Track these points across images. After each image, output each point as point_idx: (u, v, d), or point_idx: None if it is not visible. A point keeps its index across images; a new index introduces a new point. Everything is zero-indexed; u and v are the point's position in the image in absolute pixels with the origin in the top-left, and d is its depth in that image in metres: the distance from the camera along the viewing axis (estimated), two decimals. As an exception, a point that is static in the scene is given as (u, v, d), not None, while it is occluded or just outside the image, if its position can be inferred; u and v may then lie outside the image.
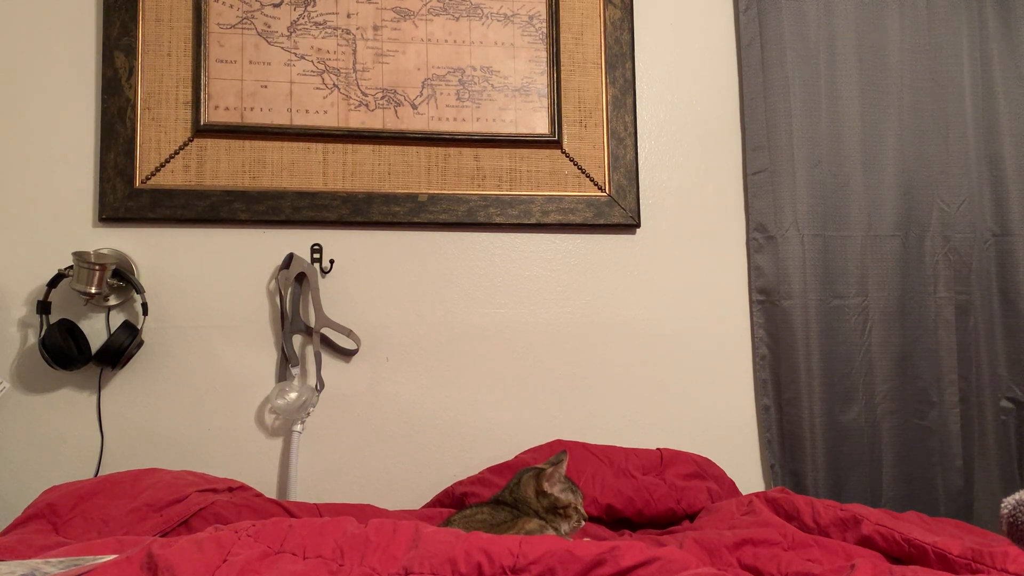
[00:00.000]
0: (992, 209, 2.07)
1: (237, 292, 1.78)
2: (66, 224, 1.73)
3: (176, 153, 1.76)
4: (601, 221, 1.91)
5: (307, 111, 1.82)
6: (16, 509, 1.39)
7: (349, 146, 1.83)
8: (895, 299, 2.00)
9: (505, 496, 1.35)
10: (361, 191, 1.82)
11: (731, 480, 1.77)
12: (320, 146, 1.82)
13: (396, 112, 1.85)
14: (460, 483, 1.70)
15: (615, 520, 1.61)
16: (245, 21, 1.82)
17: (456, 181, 1.87)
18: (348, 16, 1.86)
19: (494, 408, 1.86)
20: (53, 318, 1.64)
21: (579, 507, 1.34)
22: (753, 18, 2.01)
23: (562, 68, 1.93)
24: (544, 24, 1.94)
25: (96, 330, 1.70)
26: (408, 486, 1.80)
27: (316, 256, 1.81)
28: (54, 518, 1.32)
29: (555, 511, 1.31)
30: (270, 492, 1.72)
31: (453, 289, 1.87)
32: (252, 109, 1.80)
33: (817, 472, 1.91)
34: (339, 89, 1.84)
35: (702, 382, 1.96)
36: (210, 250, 1.78)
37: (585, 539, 1.17)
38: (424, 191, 1.85)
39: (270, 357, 1.78)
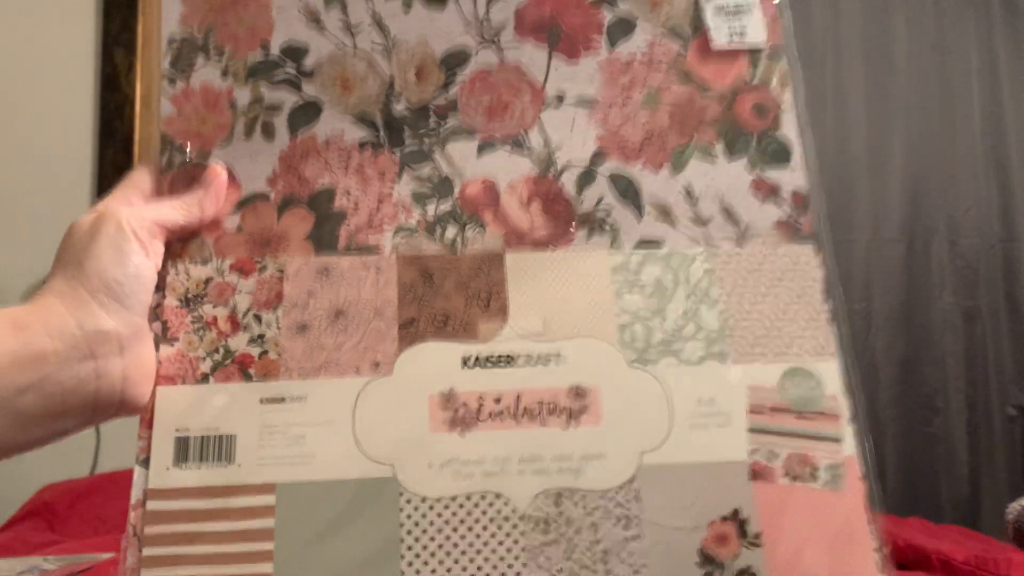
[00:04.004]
0: (999, 215, 2.03)
1: (236, 291, 1.76)
2: (63, 221, 1.70)
3: (176, 150, 1.75)
4: (604, 221, 1.90)
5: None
6: (11, 507, 1.37)
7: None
8: (899, 304, 1.97)
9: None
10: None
11: (733, 485, 1.75)
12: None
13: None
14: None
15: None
16: (246, 18, 1.81)
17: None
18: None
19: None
20: (50, 316, 1.63)
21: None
22: (758, 20, 1.99)
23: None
24: (547, 23, 1.93)
25: (94, 328, 1.69)
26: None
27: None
28: (50, 516, 1.31)
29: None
30: (269, 493, 1.70)
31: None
32: (253, 106, 1.78)
33: (819, 477, 1.88)
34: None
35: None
36: (209, 248, 1.77)
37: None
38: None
39: (269, 356, 1.77)
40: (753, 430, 0.43)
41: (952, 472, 1.94)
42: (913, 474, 1.93)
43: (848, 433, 0.43)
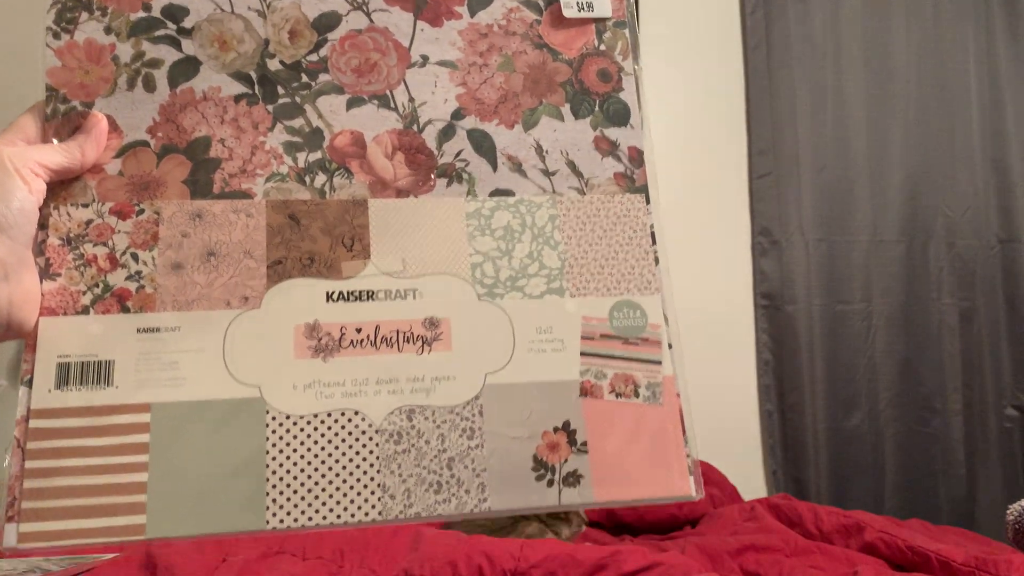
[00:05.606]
0: (998, 215, 2.03)
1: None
2: None
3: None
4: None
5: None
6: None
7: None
8: (899, 305, 1.96)
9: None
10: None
11: (733, 486, 1.71)
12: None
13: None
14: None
15: (616, 525, 1.56)
16: None
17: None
18: None
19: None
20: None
21: (580, 511, 1.31)
22: (760, 20, 1.96)
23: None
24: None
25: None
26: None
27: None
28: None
29: (556, 515, 1.28)
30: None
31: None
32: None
33: (820, 479, 1.87)
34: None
35: (704, 386, 1.87)
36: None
37: (586, 543, 1.17)
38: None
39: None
40: (585, 354, 0.49)
41: (949, 472, 1.94)
42: (912, 474, 1.94)
43: (667, 357, 0.49)
